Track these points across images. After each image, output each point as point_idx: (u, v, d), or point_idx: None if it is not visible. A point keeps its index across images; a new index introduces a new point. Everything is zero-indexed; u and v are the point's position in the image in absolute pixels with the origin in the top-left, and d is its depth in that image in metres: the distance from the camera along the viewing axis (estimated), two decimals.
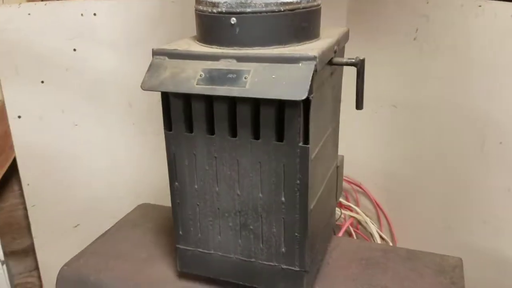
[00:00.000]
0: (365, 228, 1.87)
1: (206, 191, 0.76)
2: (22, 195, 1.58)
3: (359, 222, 1.88)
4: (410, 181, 1.69)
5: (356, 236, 1.88)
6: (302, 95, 0.60)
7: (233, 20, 0.66)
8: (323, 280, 0.85)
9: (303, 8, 0.67)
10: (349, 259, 0.92)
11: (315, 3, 0.69)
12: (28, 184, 1.53)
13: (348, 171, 2.01)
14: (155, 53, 0.70)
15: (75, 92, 1.47)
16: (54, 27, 1.39)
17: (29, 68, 1.40)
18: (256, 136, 0.69)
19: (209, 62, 0.67)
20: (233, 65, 0.65)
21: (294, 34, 0.68)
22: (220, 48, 0.69)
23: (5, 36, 1.34)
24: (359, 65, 0.71)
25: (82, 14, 1.42)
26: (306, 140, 0.67)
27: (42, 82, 1.43)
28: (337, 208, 1.86)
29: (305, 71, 0.61)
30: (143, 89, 0.68)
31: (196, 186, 0.76)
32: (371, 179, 1.94)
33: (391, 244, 1.79)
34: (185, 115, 0.72)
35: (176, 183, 0.78)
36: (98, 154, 1.55)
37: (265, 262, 0.76)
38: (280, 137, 0.68)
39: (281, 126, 0.67)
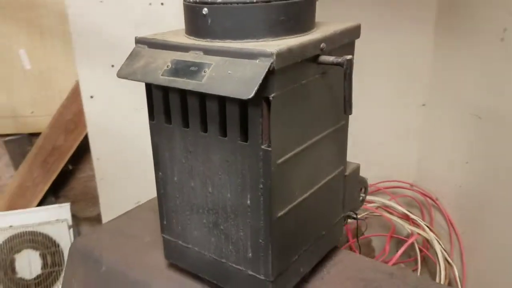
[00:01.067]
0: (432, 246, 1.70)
1: (183, 185, 0.74)
2: None
3: (427, 240, 1.72)
4: (491, 202, 1.50)
5: (422, 256, 1.72)
6: (248, 94, 0.55)
7: (205, 10, 0.63)
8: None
9: (280, 0, 0.62)
10: (347, 278, 0.84)
11: None
12: (97, 159, 1.66)
13: (424, 183, 1.85)
14: (137, 41, 0.70)
15: None
16: (123, 15, 1.48)
17: (100, 52, 1.52)
18: (224, 133, 0.65)
19: (179, 53, 0.65)
20: (199, 57, 0.62)
21: (269, 28, 0.63)
22: (194, 40, 0.67)
23: (80, 21, 1.47)
24: (345, 65, 0.63)
25: (150, 4, 1.49)
26: (270, 143, 0.61)
27: (112, 66, 1.54)
28: (403, 222, 1.72)
29: (260, 68, 0.56)
30: (118, 77, 0.68)
31: (175, 178, 0.75)
32: (448, 194, 1.76)
33: (456, 272, 1.60)
34: (165, 106, 0.71)
35: (160, 173, 0.78)
36: None
37: (234, 265, 0.73)
38: (245, 137, 0.63)
39: (246, 126, 0.63)
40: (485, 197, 1.53)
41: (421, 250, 1.72)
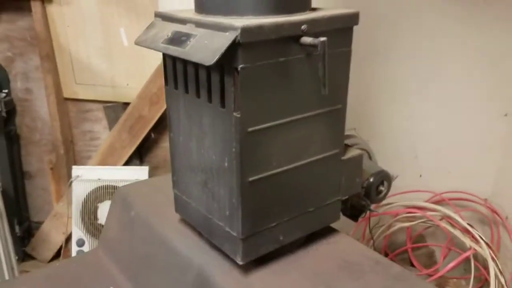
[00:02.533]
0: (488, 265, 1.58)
1: (185, 145, 0.84)
2: None
3: (485, 258, 1.60)
4: None
5: (474, 271, 1.60)
6: (210, 61, 0.62)
7: None
8: (281, 261, 0.83)
9: None
10: (332, 257, 0.87)
11: None
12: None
13: (497, 200, 1.71)
14: (156, 14, 0.81)
15: None
16: None
17: None
18: (210, 100, 0.73)
19: (179, 26, 0.74)
20: (191, 29, 0.71)
21: (253, 6, 0.69)
22: (195, 14, 0.75)
23: (169, 4, 1.64)
24: (320, 47, 0.67)
25: None
26: (240, 111, 0.68)
27: None
28: (463, 236, 1.61)
29: (226, 39, 0.63)
30: (135, 44, 0.80)
31: (180, 139, 0.85)
32: None
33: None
34: (173, 74, 0.81)
35: (171, 134, 0.88)
36: None
37: (217, 221, 0.81)
38: (223, 104, 0.71)
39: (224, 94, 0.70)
40: None
41: (479, 269, 1.60)
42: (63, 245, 2.06)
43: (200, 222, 0.87)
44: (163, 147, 2.07)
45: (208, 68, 0.71)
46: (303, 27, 0.69)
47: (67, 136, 2.05)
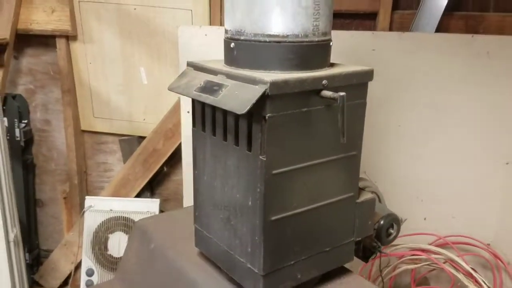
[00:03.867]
0: None
1: (209, 183, 0.90)
2: None
3: None
4: None
5: None
6: (242, 110, 0.69)
7: (232, 44, 0.79)
8: None
9: (290, 42, 0.75)
10: None
11: (307, 40, 0.76)
12: (187, 164, 1.91)
13: (499, 245, 1.75)
14: (188, 64, 0.89)
15: None
16: (222, 46, 1.72)
17: None
18: (237, 143, 0.80)
19: (211, 76, 0.81)
20: (222, 79, 0.78)
21: (279, 62, 0.76)
22: (225, 66, 0.83)
23: (187, 48, 1.74)
24: (339, 100, 0.74)
25: None
26: (266, 154, 0.74)
27: None
28: (466, 280, 1.64)
29: (257, 92, 0.70)
30: (168, 89, 0.87)
31: (205, 178, 0.91)
32: None
33: None
34: (202, 117, 0.88)
35: (196, 172, 0.94)
36: None
37: (238, 257, 0.85)
38: (250, 148, 0.77)
39: (251, 138, 0.76)
40: None
41: None
42: (72, 274, 2.09)
43: (220, 257, 0.92)
44: (174, 181, 2.12)
45: (237, 115, 0.77)
46: (323, 82, 0.76)
47: (81, 166, 2.11)
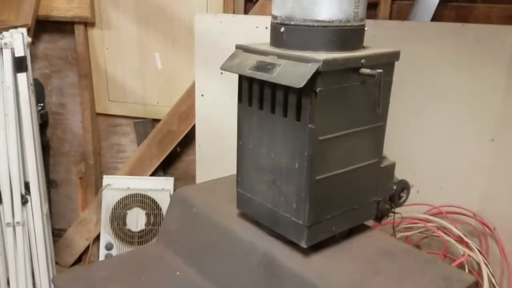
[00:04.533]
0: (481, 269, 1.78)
1: (254, 151, 1.02)
2: None
3: (477, 263, 1.80)
4: None
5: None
6: (300, 84, 0.81)
7: (282, 29, 0.91)
8: (332, 248, 1.01)
9: (334, 26, 0.87)
10: (372, 247, 1.05)
11: (348, 24, 0.88)
12: (199, 145, 2.02)
13: (485, 214, 1.93)
14: (237, 47, 1.00)
15: None
16: (235, 33, 1.83)
17: (214, 61, 1.88)
18: (285, 115, 0.92)
19: (262, 56, 0.93)
20: (274, 60, 0.90)
21: (324, 44, 0.88)
22: (273, 48, 0.95)
23: (203, 35, 1.84)
24: (376, 76, 0.87)
25: (257, 27, 1.82)
26: (314, 123, 0.87)
27: (221, 73, 1.89)
28: (457, 244, 1.81)
29: (310, 68, 0.82)
30: (221, 69, 0.99)
31: (250, 146, 1.03)
32: (506, 225, 1.83)
33: None
34: (249, 94, 1.00)
35: (240, 142, 1.06)
36: None
37: (283, 213, 0.98)
38: (299, 118, 0.90)
39: (300, 110, 0.89)
40: None
41: (472, 274, 1.80)
42: (90, 250, 2.18)
43: (263, 215, 1.04)
44: (185, 161, 2.23)
45: (287, 91, 0.90)
46: (362, 61, 0.89)
47: (96, 148, 2.19)
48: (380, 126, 1.01)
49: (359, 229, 1.11)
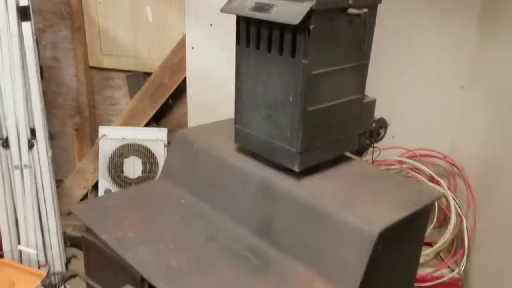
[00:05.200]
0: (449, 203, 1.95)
1: (252, 90, 1.11)
2: None
3: (446, 198, 1.97)
4: (505, 171, 1.71)
5: (443, 216, 1.97)
6: (295, 21, 0.90)
7: None
8: (321, 174, 1.13)
9: None
10: (355, 173, 1.17)
11: None
12: (191, 97, 2.09)
13: (454, 155, 2.08)
14: None
15: (232, 36, 1.94)
16: None
17: (204, 14, 1.92)
18: (281, 53, 1.01)
19: None
20: (271, 1, 0.98)
21: None
22: None
23: None
24: (363, 15, 0.96)
25: None
26: (308, 59, 0.96)
27: (211, 25, 1.94)
28: (426, 180, 1.97)
29: (305, 7, 0.91)
30: (221, 12, 1.06)
31: (248, 85, 1.12)
32: (472, 164, 1.98)
33: (465, 223, 1.84)
34: (246, 35, 1.08)
35: (238, 82, 1.15)
36: None
37: (278, 143, 1.09)
38: (293, 55, 0.98)
39: (295, 48, 0.98)
40: (500, 167, 1.74)
41: (441, 209, 1.97)
42: (88, 198, 2.27)
43: (260, 146, 1.14)
44: (177, 113, 2.30)
45: (282, 30, 0.98)
46: (350, 1, 0.98)
47: (90, 100, 2.24)
48: (364, 64, 1.11)
49: (344, 159, 1.23)
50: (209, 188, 1.24)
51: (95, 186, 2.28)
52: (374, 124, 1.30)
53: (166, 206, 1.23)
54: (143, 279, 0.95)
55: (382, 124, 1.34)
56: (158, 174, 1.83)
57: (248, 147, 1.20)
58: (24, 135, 1.54)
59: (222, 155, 1.24)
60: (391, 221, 0.94)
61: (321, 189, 1.07)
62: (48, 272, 1.11)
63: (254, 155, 1.19)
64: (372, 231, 0.91)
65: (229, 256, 1.03)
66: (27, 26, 1.44)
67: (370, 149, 1.36)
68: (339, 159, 1.22)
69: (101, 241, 1.08)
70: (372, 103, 1.21)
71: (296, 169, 1.07)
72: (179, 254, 1.03)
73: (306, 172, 1.11)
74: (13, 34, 1.42)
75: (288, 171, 1.10)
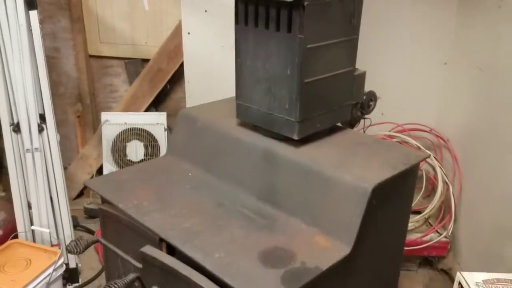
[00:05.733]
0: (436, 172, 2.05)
1: (252, 66, 1.18)
2: None
3: (432, 167, 2.07)
4: (487, 140, 1.81)
5: (431, 186, 2.07)
6: None
7: None
8: (317, 142, 1.21)
9: None
10: (349, 141, 1.25)
11: None
12: (188, 81, 2.15)
13: (439, 128, 2.18)
14: None
15: (227, 21, 2.00)
16: None
17: (198, 1, 1.98)
18: (278, 29, 1.08)
19: None
20: None
21: None
22: None
23: None
24: None
25: None
26: (303, 34, 1.04)
27: (206, 11, 2.00)
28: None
29: None
30: None
31: (247, 62, 1.20)
32: (456, 136, 2.08)
33: (451, 190, 1.95)
34: (245, 14, 1.15)
35: (238, 59, 1.22)
36: None
37: (277, 114, 1.16)
38: (290, 31, 1.06)
39: (291, 24, 1.05)
40: (483, 137, 1.84)
41: (429, 179, 2.08)
42: None
43: (261, 119, 1.22)
44: (174, 99, 2.37)
45: (279, 7, 1.05)
46: None
47: (91, 88, 2.30)
48: (354, 39, 1.19)
49: (338, 129, 1.32)
50: (215, 161, 1.31)
51: (99, 171, 2.35)
52: (364, 97, 1.38)
53: (175, 178, 1.31)
54: (161, 240, 1.03)
55: (372, 97, 1.42)
56: (160, 156, 1.90)
57: (249, 120, 1.27)
58: (35, 119, 1.60)
59: (225, 129, 1.31)
60: (383, 178, 1.03)
61: (318, 154, 1.16)
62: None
63: (255, 128, 1.27)
64: (366, 187, 1.00)
65: (238, 218, 1.12)
66: (34, 15, 1.50)
67: (362, 122, 1.45)
68: (334, 129, 1.30)
69: (118, 210, 1.15)
70: (362, 75, 1.29)
71: (296, 137, 1.15)
72: (192, 218, 1.11)
73: (304, 140, 1.19)
74: (21, 24, 1.47)
75: (288, 140, 1.18)
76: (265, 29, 1.11)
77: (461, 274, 1.16)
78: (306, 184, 1.11)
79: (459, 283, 1.15)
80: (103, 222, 1.25)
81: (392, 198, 1.13)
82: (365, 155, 1.16)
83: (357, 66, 1.26)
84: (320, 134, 1.25)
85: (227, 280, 0.89)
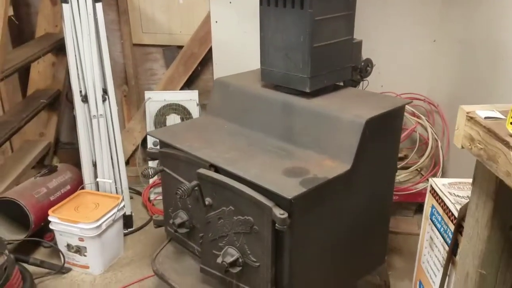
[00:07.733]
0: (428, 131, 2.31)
1: (273, 37, 1.48)
2: None
3: (425, 128, 2.34)
4: (470, 102, 2.06)
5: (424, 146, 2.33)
6: None
7: None
8: (325, 95, 1.50)
9: None
10: (349, 94, 1.54)
11: None
12: (216, 64, 2.45)
13: (431, 96, 2.44)
14: None
15: (248, 10, 2.30)
16: None
17: None
18: (293, 6, 1.37)
19: None
20: None
21: None
22: None
23: None
24: None
25: None
26: (312, 9, 1.33)
27: (230, 2, 2.29)
28: (409, 116, 2.33)
29: None
30: None
31: (269, 35, 1.49)
32: (445, 101, 2.34)
33: (440, 144, 2.21)
34: None
35: (262, 33, 1.52)
36: None
37: (293, 73, 1.46)
38: (302, 7, 1.35)
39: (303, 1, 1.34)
40: (466, 101, 2.10)
41: (422, 139, 2.34)
42: (137, 153, 2.66)
43: (281, 79, 1.51)
44: (203, 79, 2.67)
45: None
46: None
47: (135, 72, 2.61)
48: (351, 14, 1.48)
49: (341, 87, 1.61)
50: (244, 115, 1.61)
51: (142, 143, 2.67)
52: (362, 63, 1.66)
53: (214, 129, 1.61)
54: (211, 166, 1.34)
55: (369, 64, 1.70)
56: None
57: (271, 81, 1.57)
58: (99, 91, 1.92)
59: (252, 90, 1.61)
60: (374, 114, 1.31)
61: (325, 103, 1.45)
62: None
63: (276, 88, 1.57)
64: (361, 121, 1.29)
65: (265, 152, 1.42)
66: (99, 6, 1.81)
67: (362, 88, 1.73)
68: (338, 87, 1.59)
69: (176, 149, 1.46)
70: (359, 43, 1.57)
71: (308, 90, 1.44)
72: (231, 152, 1.41)
73: (314, 93, 1.48)
74: (90, 13, 1.79)
75: (302, 94, 1.47)
76: (283, 7, 1.40)
77: (432, 180, 1.44)
78: (316, 125, 1.40)
79: (431, 186, 1.43)
80: (162, 160, 1.56)
81: (382, 132, 1.41)
82: (361, 102, 1.44)
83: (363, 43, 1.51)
84: (326, 89, 1.54)
85: (263, 184, 1.19)
